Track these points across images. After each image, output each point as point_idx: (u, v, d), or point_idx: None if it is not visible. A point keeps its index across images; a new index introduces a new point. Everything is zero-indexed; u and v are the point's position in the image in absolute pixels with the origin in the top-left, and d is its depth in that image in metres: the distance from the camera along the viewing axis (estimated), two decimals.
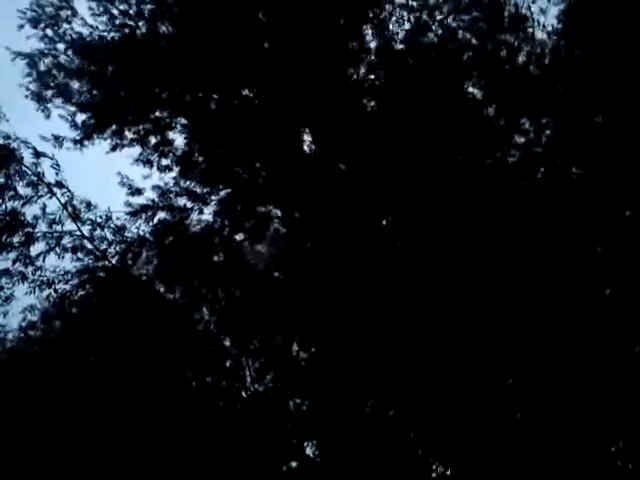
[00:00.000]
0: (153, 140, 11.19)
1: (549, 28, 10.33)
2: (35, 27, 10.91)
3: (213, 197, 11.13)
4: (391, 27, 10.99)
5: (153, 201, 10.96)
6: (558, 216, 9.29)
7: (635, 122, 9.48)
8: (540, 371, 8.98)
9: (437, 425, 9.37)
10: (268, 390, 10.60)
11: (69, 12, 10.98)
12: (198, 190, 11.13)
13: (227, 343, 10.89)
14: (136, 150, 11.24)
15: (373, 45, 11.04)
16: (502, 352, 9.13)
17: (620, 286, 9.15)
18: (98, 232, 10.36)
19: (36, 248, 10.06)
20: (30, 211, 10.08)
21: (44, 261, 10.06)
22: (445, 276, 9.31)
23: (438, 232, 9.68)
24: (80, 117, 10.92)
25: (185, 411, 9.63)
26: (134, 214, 10.80)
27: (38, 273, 10.02)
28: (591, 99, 9.76)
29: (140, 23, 10.95)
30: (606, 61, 9.67)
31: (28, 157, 10.09)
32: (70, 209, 10.21)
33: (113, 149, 11.03)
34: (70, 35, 10.83)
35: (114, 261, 10.52)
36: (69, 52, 10.87)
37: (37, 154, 10.01)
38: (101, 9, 10.90)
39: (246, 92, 10.99)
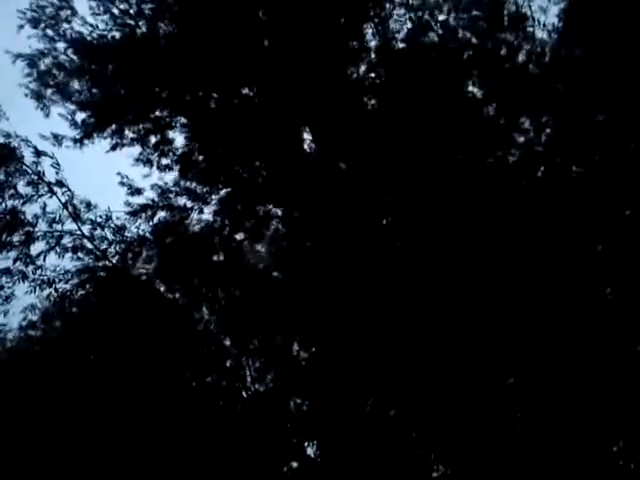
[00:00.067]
0: (153, 139, 11.22)
1: (549, 27, 10.31)
2: (35, 27, 10.91)
3: (213, 196, 11.15)
4: (391, 26, 11.00)
5: (153, 200, 10.99)
6: (558, 215, 9.27)
7: (635, 121, 9.46)
8: (541, 371, 8.96)
9: (438, 425, 9.35)
10: (268, 390, 10.58)
11: (69, 12, 10.98)
12: (198, 189, 11.15)
13: (227, 343, 10.89)
14: (136, 149, 11.28)
15: (373, 44, 11.06)
16: (503, 352, 9.11)
17: (620, 285, 9.12)
18: (98, 232, 10.41)
19: (36, 247, 10.12)
20: (30, 210, 10.15)
21: (44, 260, 10.10)
22: (445, 275, 9.30)
23: (438, 231, 9.67)
24: (80, 116, 10.96)
25: (185, 411, 9.62)
26: (134, 214, 10.83)
27: (38, 272, 10.07)
28: (591, 98, 9.75)
29: (140, 22, 10.94)
30: (607, 60, 9.65)
31: (28, 156, 10.16)
32: (70, 208, 10.24)
33: (113, 148, 11.04)
34: (70, 34, 10.83)
35: (114, 261, 10.54)
36: (69, 51, 10.88)
37: (37, 153, 10.04)
38: (101, 8, 10.91)
39: (246, 91, 11.00)
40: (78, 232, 10.26)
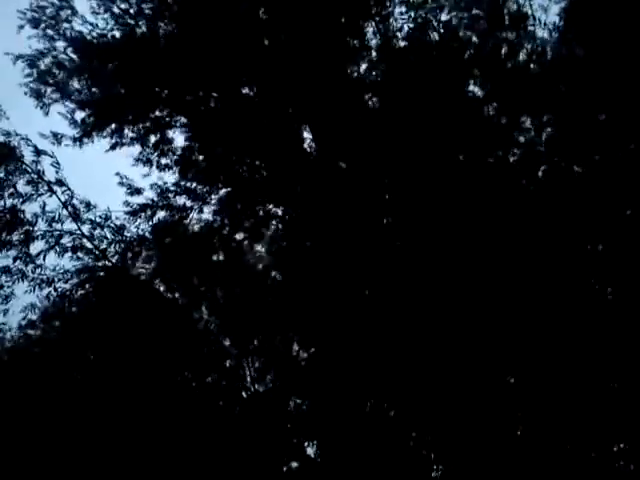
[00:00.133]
0: (153, 139, 11.24)
1: (550, 26, 10.27)
2: (35, 27, 10.93)
3: (213, 196, 11.16)
4: (392, 24, 10.97)
5: (153, 200, 11.00)
6: (559, 214, 9.24)
7: (636, 121, 9.43)
8: (541, 370, 8.93)
9: (438, 425, 9.33)
10: (268, 390, 10.57)
11: (69, 11, 10.99)
12: (198, 189, 11.15)
13: (227, 343, 10.88)
14: (136, 149, 11.29)
15: (374, 42, 11.03)
16: (503, 351, 9.08)
17: (621, 284, 9.09)
18: (98, 231, 10.40)
19: (36, 246, 10.12)
20: (30, 209, 10.15)
21: (44, 260, 10.10)
22: (446, 275, 9.27)
23: (439, 231, 9.64)
24: (79, 115, 10.98)
25: (185, 411, 9.61)
26: (134, 213, 10.84)
27: (38, 271, 10.08)
28: (592, 97, 9.71)
29: (140, 22, 10.95)
30: (608, 59, 9.62)
31: (28, 155, 10.16)
32: (70, 208, 10.24)
33: (112, 148, 11.05)
34: (70, 34, 10.83)
35: (114, 260, 10.54)
36: (69, 50, 10.90)
37: (37, 152, 10.04)
38: (102, 8, 10.92)
39: (246, 90, 11.00)
40: (78, 231, 10.27)
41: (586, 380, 8.74)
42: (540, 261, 9.09)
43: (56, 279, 10.14)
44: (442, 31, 10.86)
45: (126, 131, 11.10)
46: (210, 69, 10.56)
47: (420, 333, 9.16)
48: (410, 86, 10.15)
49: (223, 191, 11.13)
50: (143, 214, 10.85)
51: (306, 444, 10.31)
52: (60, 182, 10.17)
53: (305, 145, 11.04)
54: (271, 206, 11.03)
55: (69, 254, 10.20)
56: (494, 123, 10.43)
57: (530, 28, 10.38)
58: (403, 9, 10.81)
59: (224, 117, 10.78)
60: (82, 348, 10.07)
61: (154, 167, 11.28)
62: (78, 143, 10.83)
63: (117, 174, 10.82)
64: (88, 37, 10.92)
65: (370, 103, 10.84)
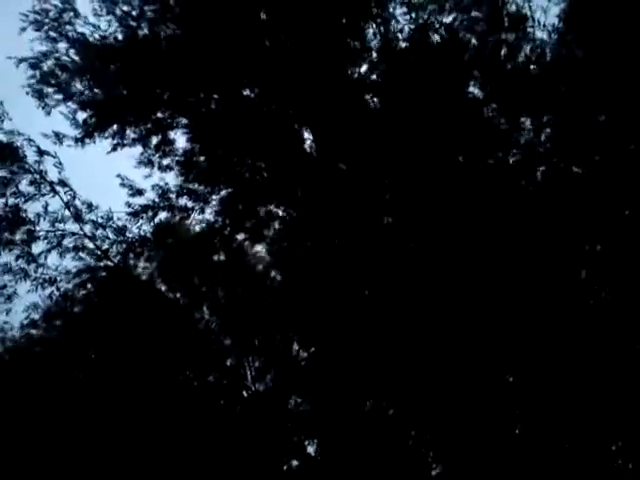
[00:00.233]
0: (154, 140, 11.24)
1: (549, 27, 10.29)
2: (38, 30, 10.96)
3: (214, 197, 11.18)
4: (393, 26, 11.01)
5: (154, 201, 11.01)
6: (558, 215, 9.27)
7: (636, 122, 9.45)
8: (540, 369, 8.97)
9: (437, 423, 9.37)
10: (269, 389, 10.63)
11: (72, 14, 11.03)
12: (199, 190, 11.16)
13: (228, 342, 10.94)
14: (137, 150, 11.33)
15: (374, 44, 11.05)
16: (502, 350, 9.11)
17: (620, 284, 9.12)
18: (100, 232, 10.48)
19: (38, 246, 10.20)
20: (32, 209, 10.23)
21: (46, 259, 10.18)
22: (445, 275, 9.31)
23: (439, 231, 9.68)
24: (81, 115, 11.01)
25: (186, 410, 9.67)
26: (135, 214, 10.87)
27: (40, 271, 10.15)
28: (592, 98, 9.74)
29: (142, 24, 10.98)
30: (607, 60, 9.65)
31: (31, 155, 10.25)
32: (72, 208, 10.30)
33: (114, 148, 11.07)
34: (72, 35, 10.87)
35: (116, 261, 10.60)
36: (71, 52, 10.93)
37: (40, 152, 10.12)
38: (104, 10, 10.96)
39: (247, 92, 11.03)
40: (80, 232, 10.36)
41: (584, 379, 8.77)
42: (539, 261, 9.13)
43: (58, 279, 10.24)
44: (442, 33, 10.90)
45: (128, 132, 11.13)
46: (211, 71, 10.60)
47: (419, 332, 9.20)
48: (410, 87, 10.18)
49: (224, 192, 11.16)
50: (145, 215, 10.89)
51: (306, 443, 10.37)
52: (63, 182, 10.27)
53: (306, 146, 11.08)
54: (272, 207, 11.05)
55: (71, 254, 10.30)
56: (494, 124, 10.46)
57: (529, 30, 10.40)
58: (404, 10, 10.87)
59: (225, 118, 10.81)
60: (84, 347, 10.14)
61: (155, 168, 11.31)
62: (80, 143, 10.86)
63: (118, 175, 10.88)
64: (90, 39, 10.95)
65: (370, 104, 10.87)
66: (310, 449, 10.40)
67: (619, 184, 9.29)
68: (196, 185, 11.19)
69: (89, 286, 10.48)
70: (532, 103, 10.22)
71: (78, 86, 10.98)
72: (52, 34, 10.93)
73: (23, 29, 10.83)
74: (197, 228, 11.33)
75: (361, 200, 10.23)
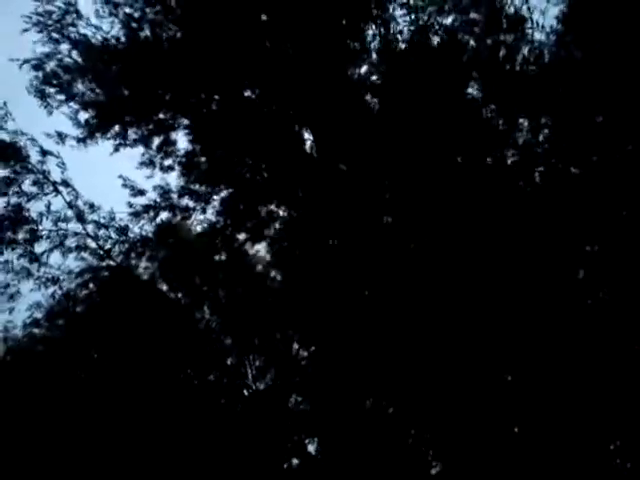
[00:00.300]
0: (156, 140, 11.30)
1: (548, 29, 10.34)
2: (41, 31, 11.01)
3: (215, 197, 11.24)
4: (392, 27, 11.06)
5: (156, 201, 11.09)
6: (556, 215, 9.32)
7: (634, 123, 9.50)
8: (539, 369, 9.01)
9: (437, 422, 9.41)
10: (269, 388, 10.67)
11: (74, 15, 11.08)
12: (200, 190, 11.24)
13: (228, 342, 10.99)
14: (139, 150, 11.39)
15: (374, 45, 11.11)
16: (502, 350, 9.16)
17: (618, 285, 9.16)
18: (102, 231, 10.54)
19: (41, 246, 10.26)
20: (35, 208, 10.29)
21: (49, 259, 10.25)
22: (445, 275, 9.36)
23: (438, 232, 9.73)
24: (83, 116, 11.06)
25: (187, 409, 9.71)
26: (137, 214, 10.94)
27: (43, 270, 10.21)
28: (590, 99, 9.79)
29: (144, 25, 11.04)
30: (605, 61, 9.70)
31: (34, 155, 10.33)
32: (75, 208, 10.37)
33: (116, 149, 11.12)
34: (74, 36, 10.92)
35: (118, 260, 10.67)
36: (73, 53, 10.98)
37: (43, 152, 10.19)
38: (106, 12, 11.02)
39: (248, 93, 11.09)
40: (82, 231, 10.43)
41: (583, 378, 8.81)
42: (537, 261, 9.18)
43: (61, 278, 10.30)
44: (442, 34, 10.95)
45: (129, 133, 11.17)
46: (212, 72, 10.65)
47: (419, 332, 9.24)
48: (410, 88, 10.24)
49: (225, 192, 11.22)
50: (146, 215, 10.97)
51: (307, 441, 10.41)
52: (65, 182, 10.34)
53: (306, 146, 11.15)
54: (273, 207, 11.12)
55: (74, 253, 10.37)
56: (492, 125, 10.51)
57: (528, 31, 10.44)
58: (403, 12, 10.92)
59: (226, 119, 10.87)
60: (86, 347, 10.19)
61: (157, 168, 11.38)
62: (82, 143, 10.92)
63: (120, 176, 10.94)
64: (92, 40, 10.99)
65: (370, 105, 10.93)
66: (310, 448, 10.46)
67: (617, 185, 9.33)
68: (197, 185, 11.27)
69: (91, 285, 10.54)
70: (530, 104, 10.26)
71: (80, 87, 11.03)
72: (55, 35, 10.98)
73: (26, 30, 10.89)
74: (198, 228, 11.43)
75: (361, 200, 10.29)
